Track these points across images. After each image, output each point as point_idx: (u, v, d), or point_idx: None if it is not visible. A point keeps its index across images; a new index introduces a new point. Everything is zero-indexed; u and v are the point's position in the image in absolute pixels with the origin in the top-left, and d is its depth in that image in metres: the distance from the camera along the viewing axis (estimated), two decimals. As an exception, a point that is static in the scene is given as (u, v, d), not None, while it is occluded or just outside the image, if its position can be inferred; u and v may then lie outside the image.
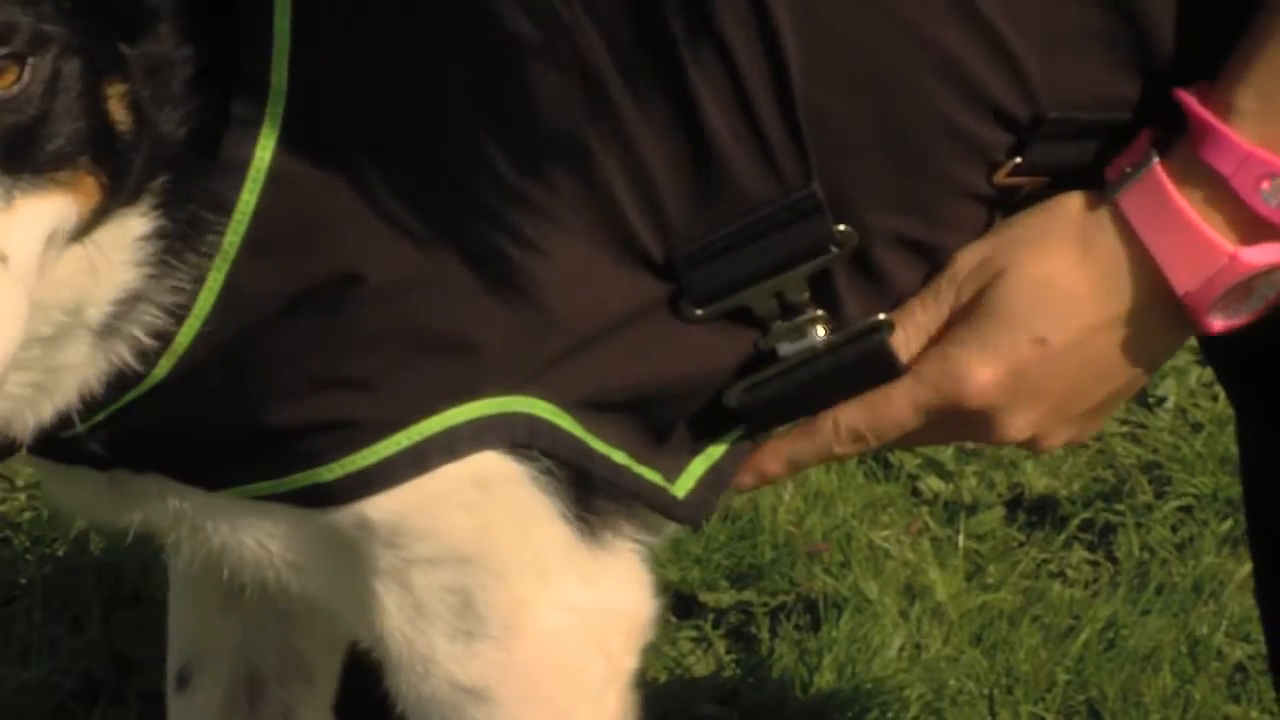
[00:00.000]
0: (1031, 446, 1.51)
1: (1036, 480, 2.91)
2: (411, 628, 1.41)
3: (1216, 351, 1.73)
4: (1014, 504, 2.91)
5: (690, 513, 1.44)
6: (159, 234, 1.28)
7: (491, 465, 1.38)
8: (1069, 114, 1.39)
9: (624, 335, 1.37)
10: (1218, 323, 1.41)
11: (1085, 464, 3.06)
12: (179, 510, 1.38)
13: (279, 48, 1.28)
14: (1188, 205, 1.37)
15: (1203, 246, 1.38)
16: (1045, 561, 2.82)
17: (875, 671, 2.55)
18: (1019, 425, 1.46)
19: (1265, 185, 1.37)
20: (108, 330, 1.28)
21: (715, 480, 1.45)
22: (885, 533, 2.82)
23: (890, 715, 2.49)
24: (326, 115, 1.30)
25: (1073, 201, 1.43)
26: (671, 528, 1.53)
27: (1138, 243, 1.39)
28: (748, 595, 2.69)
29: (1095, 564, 2.80)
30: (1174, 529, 2.84)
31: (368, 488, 1.33)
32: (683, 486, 1.44)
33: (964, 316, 1.43)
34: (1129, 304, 1.42)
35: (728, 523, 2.77)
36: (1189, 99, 1.38)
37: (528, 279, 1.32)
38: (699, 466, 1.45)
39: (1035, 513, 2.87)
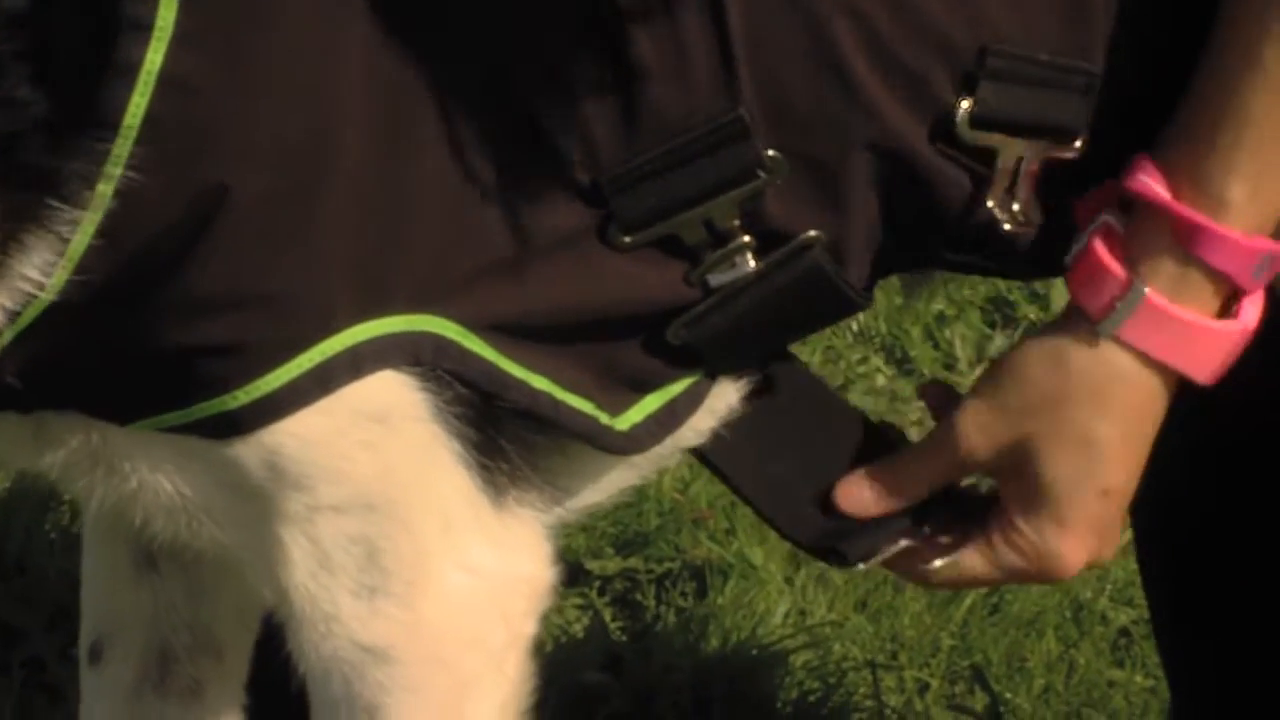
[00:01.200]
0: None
1: (921, 446, 2.87)
2: (315, 582, 1.40)
3: None
4: (899, 470, 2.89)
5: (629, 444, 1.44)
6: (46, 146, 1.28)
7: (392, 397, 1.38)
8: (1021, 51, 1.38)
9: (547, 260, 1.36)
10: None
11: (970, 430, 3.02)
12: (97, 449, 1.37)
13: None
14: (1195, 315, 1.39)
15: (1219, 339, 1.40)
16: (930, 528, 2.80)
17: (760, 638, 2.56)
18: (1083, 560, 1.54)
19: (1255, 263, 1.38)
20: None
21: (669, 418, 1.44)
22: (771, 499, 2.78)
23: (775, 682, 2.51)
24: (219, 14, 1.28)
25: (1069, 351, 1.44)
26: (584, 501, 1.52)
27: (1154, 363, 1.42)
28: (633, 563, 2.70)
29: (980, 529, 2.76)
30: (1058, 495, 2.81)
31: (275, 412, 1.32)
32: (629, 420, 1.43)
33: (1018, 502, 1.48)
34: (1153, 423, 1.46)
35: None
36: (1173, 204, 1.38)
37: (436, 193, 1.33)
38: (653, 402, 1.44)
39: (920, 479, 2.85)
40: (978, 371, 3.20)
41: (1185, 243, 1.37)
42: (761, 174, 1.34)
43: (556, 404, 1.39)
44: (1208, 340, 1.40)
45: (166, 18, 1.26)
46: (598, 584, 2.67)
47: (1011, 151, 1.43)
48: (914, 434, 2.95)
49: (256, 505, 1.36)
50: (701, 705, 2.49)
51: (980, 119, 1.41)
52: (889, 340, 3.20)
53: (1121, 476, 1.47)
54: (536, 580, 1.44)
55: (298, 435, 1.36)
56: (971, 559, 1.52)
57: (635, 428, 1.42)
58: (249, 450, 1.34)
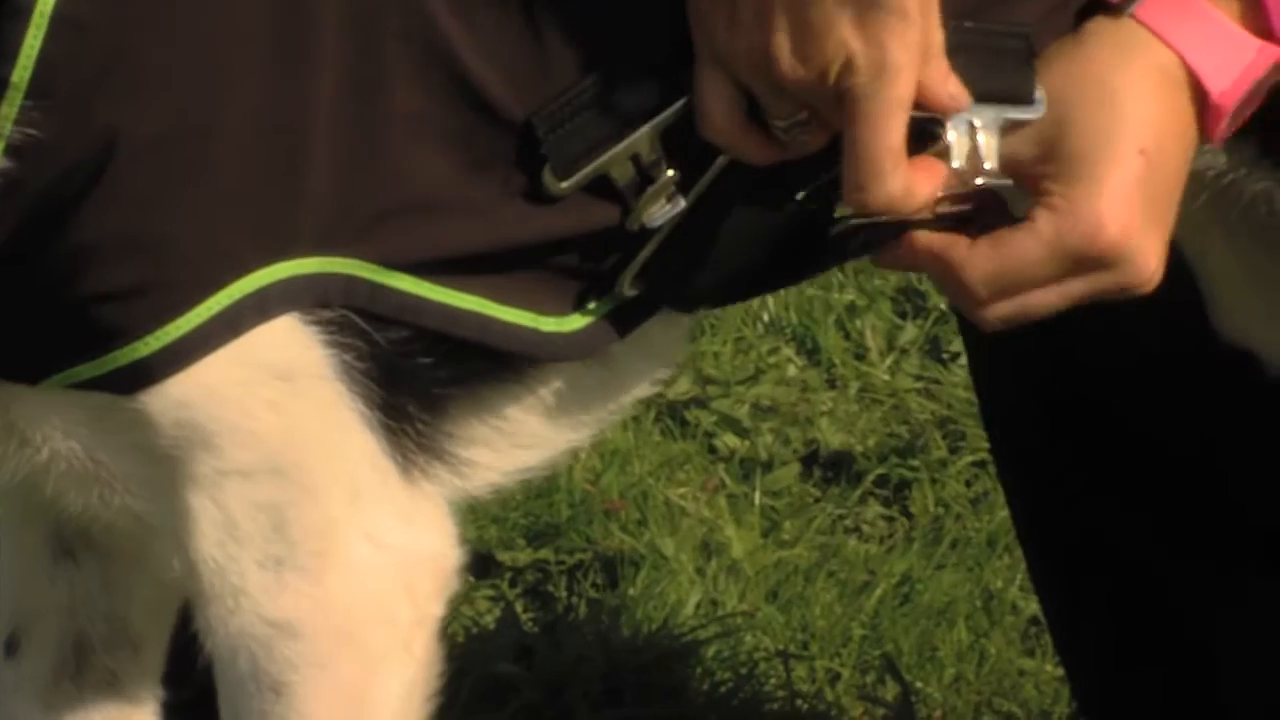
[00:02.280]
0: (1151, 283, 1.47)
1: (832, 436, 2.97)
2: (223, 552, 1.40)
3: None
4: (809, 460, 2.97)
5: (577, 348, 1.44)
6: None
7: (297, 354, 1.38)
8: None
9: (473, 201, 1.37)
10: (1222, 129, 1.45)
11: (880, 419, 3.13)
12: (10, 420, 1.36)
13: None
14: (1215, 9, 1.39)
15: (1230, 40, 1.40)
16: (841, 518, 2.88)
17: (672, 629, 2.58)
18: (1156, 257, 1.44)
19: None
20: None
21: (618, 324, 1.44)
22: (682, 490, 2.86)
23: (687, 672, 2.53)
24: None
25: (1093, 25, 1.43)
26: (491, 480, 1.50)
27: (1166, 48, 1.40)
28: (545, 554, 2.72)
29: (890, 519, 2.86)
30: (968, 484, 2.92)
31: (185, 357, 1.32)
32: (575, 322, 1.43)
33: (1039, 163, 1.43)
34: (1175, 107, 1.43)
35: (524, 482, 2.74)
36: None
37: (340, 133, 1.34)
38: (604, 306, 1.45)
39: (830, 469, 2.94)
40: (889, 361, 3.27)
41: None
42: (676, 99, 1.35)
43: (485, 321, 1.39)
44: (1220, 37, 1.41)
45: None
46: (509, 575, 2.68)
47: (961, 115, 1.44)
48: (824, 424, 3.00)
49: (166, 469, 1.36)
50: (613, 695, 2.51)
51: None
52: (800, 330, 3.23)
53: (1152, 138, 1.44)
54: (443, 559, 1.44)
55: (206, 387, 1.35)
56: (1022, 242, 1.44)
57: (586, 329, 1.42)
58: (159, 405, 1.34)
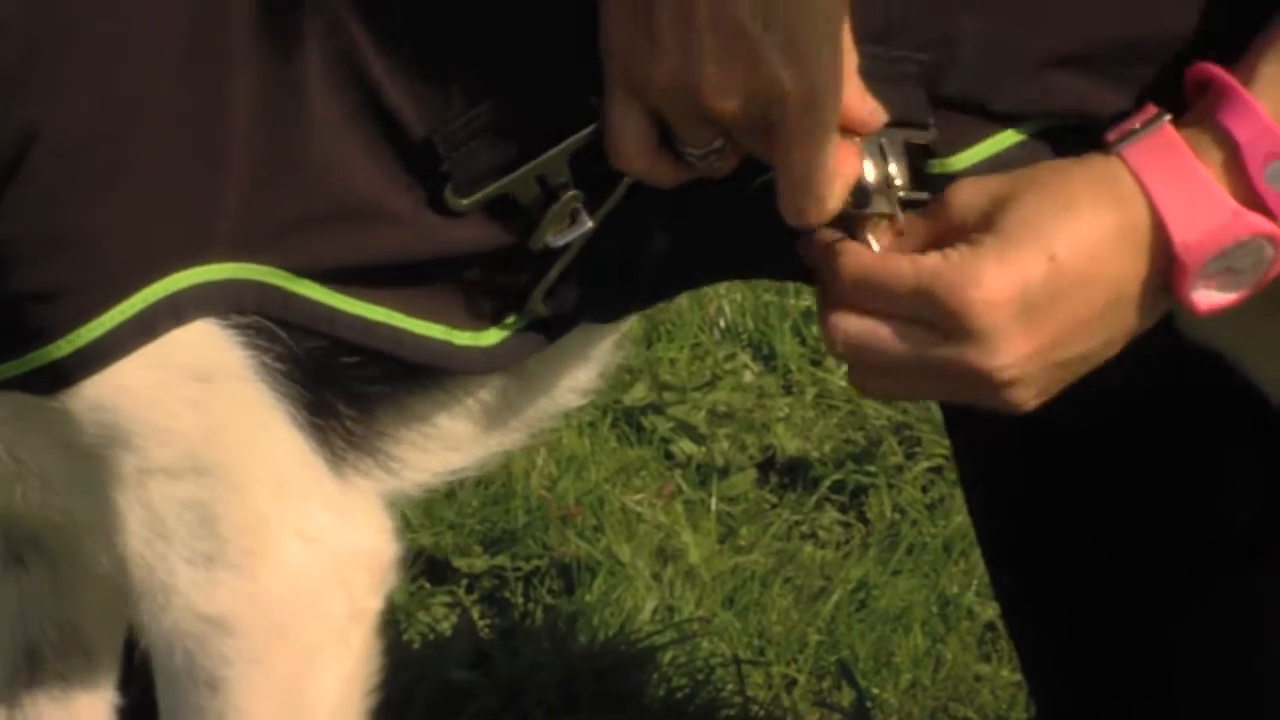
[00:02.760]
0: (1009, 397, 1.47)
1: (788, 442, 2.97)
2: (151, 550, 1.39)
3: None
4: (766, 466, 2.98)
5: (494, 361, 1.44)
6: None
7: (215, 355, 1.37)
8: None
9: (382, 215, 1.37)
10: (1199, 297, 1.43)
11: (836, 425, 3.14)
12: None
13: None
14: (1196, 159, 1.39)
15: (1207, 197, 1.40)
16: (797, 523, 2.89)
17: (628, 635, 2.58)
18: (1011, 355, 1.43)
19: (1272, 164, 1.40)
20: None
21: (534, 338, 1.44)
22: (638, 496, 2.87)
23: (643, 679, 2.53)
24: None
25: (1084, 158, 1.44)
26: (423, 480, 1.50)
27: (1143, 191, 1.40)
28: (501, 560, 2.72)
29: (847, 525, 2.87)
30: (924, 490, 2.93)
31: (99, 360, 1.31)
32: (493, 336, 1.42)
33: (974, 231, 1.44)
34: (1128, 252, 1.43)
35: (480, 488, 2.81)
36: (1211, 66, 1.41)
37: (256, 138, 1.33)
38: (514, 324, 1.44)
39: (787, 475, 2.94)
40: (845, 368, 3.20)
41: (1212, 107, 1.41)
42: (594, 123, 1.35)
43: (398, 334, 1.39)
44: (1198, 193, 1.42)
45: None
46: (465, 582, 2.68)
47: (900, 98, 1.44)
48: (780, 430, 3.01)
49: (91, 468, 1.36)
50: (569, 702, 2.51)
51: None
52: (756, 336, 3.24)
53: (1075, 259, 1.44)
54: (378, 553, 1.44)
55: (125, 389, 1.35)
56: (899, 263, 1.45)
57: (503, 343, 1.42)
58: (79, 405, 1.33)
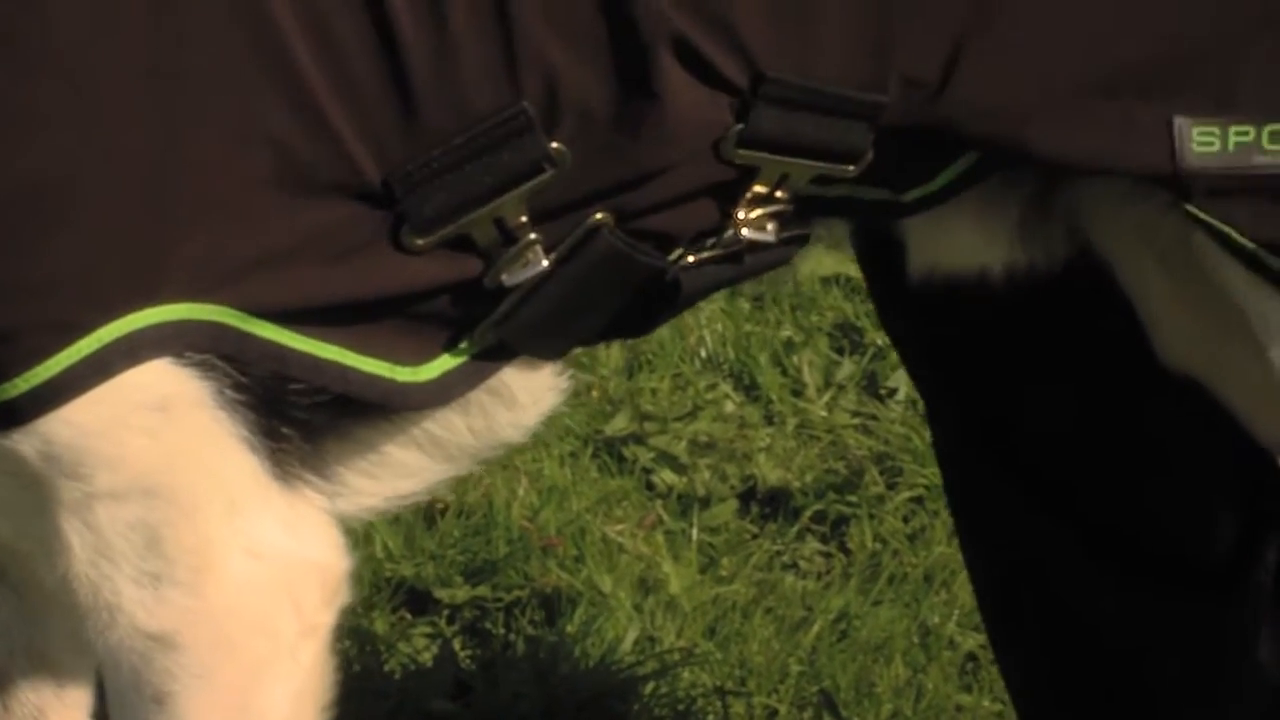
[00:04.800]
0: None
1: (769, 473, 3.00)
2: (97, 571, 1.42)
3: (908, 345, 1.89)
4: (747, 496, 3.00)
5: (433, 397, 1.47)
6: None
7: (173, 387, 1.39)
8: (801, 80, 1.41)
9: (338, 256, 1.39)
10: None
11: (817, 455, 3.16)
12: None
13: None
14: None
15: None
16: (778, 553, 2.91)
17: (610, 666, 2.60)
18: None
19: None
20: None
21: (473, 372, 1.47)
22: (620, 527, 2.89)
23: (625, 709, 2.54)
24: None
25: None
26: (374, 505, 1.54)
27: None
28: (482, 590, 2.74)
29: (828, 555, 2.88)
30: (905, 519, 2.95)
31: (54, 399, 1.33)
32: (432, 370, 1.46)
33: None
34: None
35: (462, 518, 2.84)
36: None
37: (208, 182, 1.34)
38: (454, 359, 1.47)
39: (768, 505, 2.96)
40: (826, 397, 3.31)
41: None
42: (548, 167, 1.36)
43: (345, 371, 1.41)
44: None
45: None
46: (446, 612, 2.69)
47: (773, 170, 1.49)
48: (762, 460, 3.03)
49: (34, 494, 1.36)
50: (551, 733, 2.57)
51: (749, 139, 1.47)
52: (737, 367, 3.26)
53: None
54: (330, 568, 1.45)
55: (75, 424, 1.36)
56: None
57: (443, 377, 1.45)
58: (25, 439, 1.35)
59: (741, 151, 1.49)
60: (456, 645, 2.62)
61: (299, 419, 1.45)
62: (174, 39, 1.38)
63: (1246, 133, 1.63)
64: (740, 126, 1.48)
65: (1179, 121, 1.62)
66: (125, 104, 1.37)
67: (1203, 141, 1.62)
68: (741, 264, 1.59)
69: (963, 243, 1.65)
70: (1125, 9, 1.56)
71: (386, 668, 2.44)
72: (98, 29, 1.36)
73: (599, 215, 1.47)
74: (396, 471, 1.54)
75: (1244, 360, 1.77)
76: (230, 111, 1.41)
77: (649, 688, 2.56)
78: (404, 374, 1.45)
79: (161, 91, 1.38)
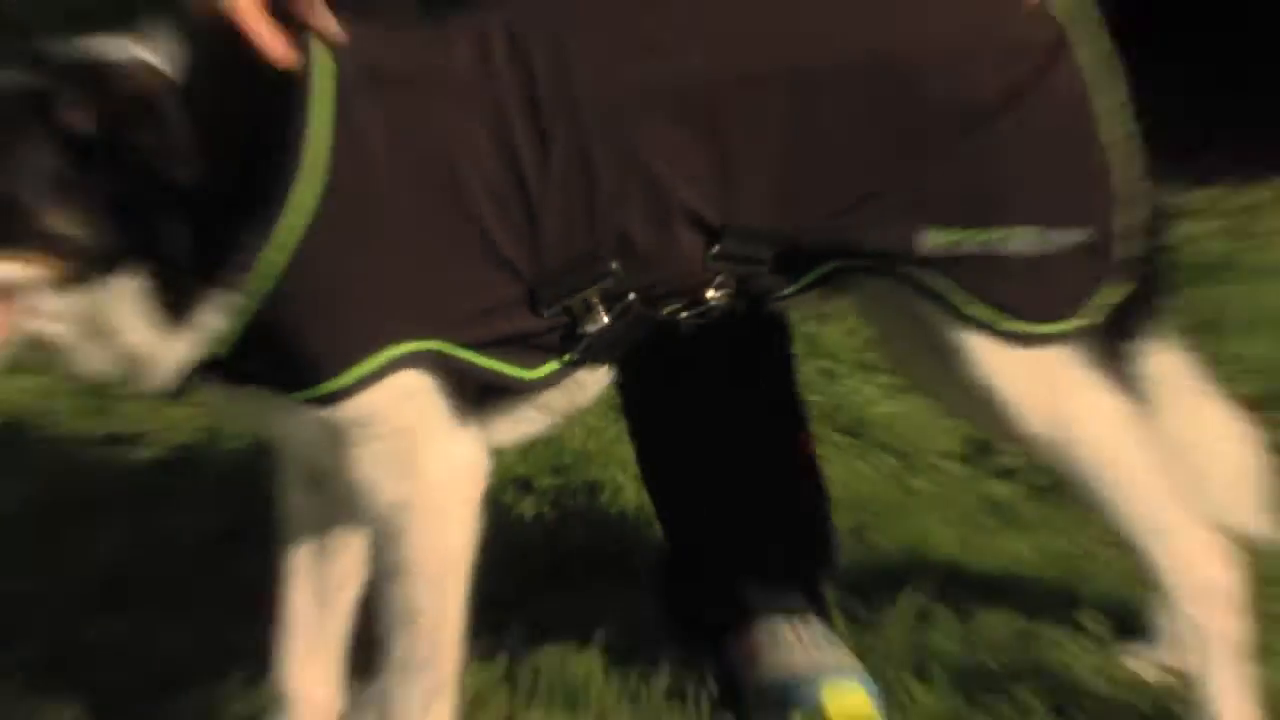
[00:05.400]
0: None
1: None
2: (368, 473, 2.32)
3: None
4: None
5: (543, 385, 2.37)
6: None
7: (415, 383, 2.27)
8: (741, 225, 2.32)
9: (503, 315, 2.30)
10: None
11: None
12: (269, 414, 2.35)
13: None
14: None
15: None
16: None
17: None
18: None
19: None
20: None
21: (563, 373, 2.37)
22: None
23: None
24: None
25: None
26: (512, 438, 2.48)
27: None
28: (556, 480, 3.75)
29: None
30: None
31: (356, 390, 2.24)
32: (540, 372, 2.37)
33: None
34: None
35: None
36: None
37: (436, 285, 2.27)
38: (553, 366, 2.36)
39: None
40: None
41: None
42: (610, 278, 2.30)
43: (501, 375, 2.32)
44: None
45: (305, 200, 2.17)
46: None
47: (727, 270, 2.35)
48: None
49: (336, 436, 2.30)
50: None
51: (720, 256, 2.34)
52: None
53: None
54: (480, 467, 2.35)
55: (366, 402, 2.24)
56: None
57: (547, 375, 2.36)
58: (337, 410, 2.25)
59: (712, 263, 2.34)
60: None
61: (475, 396, 2.33)
62: (436, 208, 2.25)
63: (953, 233, 2.36)
64: (715, 250, 2.33)
65: (917, 229, 2.36)
66: (412, 238, 2.25)
67: (936, 237, 2.36)
68: (706, 316, 2.41)
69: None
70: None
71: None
72: (410, 203, 2.24)
73: (632, 296, 2.33)
74: (522, 421, 2.46)
75: (945, 375, 2.51)
76: (455, 246, 2.27)
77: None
78: (528, 375, 2.36)
79: (430, 232, 2.25)
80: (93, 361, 2.27)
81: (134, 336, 2.24)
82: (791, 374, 3.04)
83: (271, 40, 2.23)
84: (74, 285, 2.18)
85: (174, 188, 2.15)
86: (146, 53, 2.23)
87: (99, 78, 2.17)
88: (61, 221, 2.15)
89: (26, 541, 3.64)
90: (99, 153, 2.13)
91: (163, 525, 3.68)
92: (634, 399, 3.04)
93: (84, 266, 2.17)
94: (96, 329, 2.24)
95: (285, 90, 2.21)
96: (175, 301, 2.22)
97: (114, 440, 4.19)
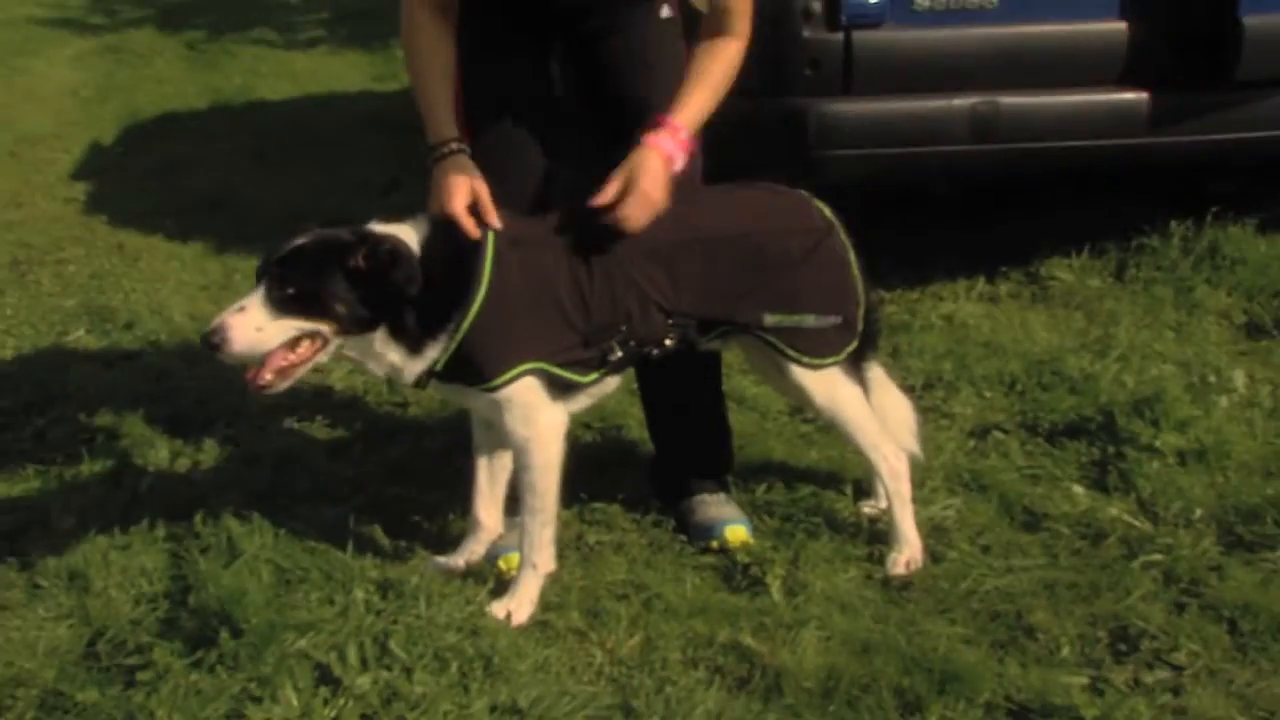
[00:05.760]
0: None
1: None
2: (511, 423, 4.01)
3: None
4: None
5: (589, 387, 4.01)
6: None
7: (530, 383, 3.96)
8: (683, 309, 3.98)
9: (570, 352, 3.95)
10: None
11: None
12: (464, 396, 4.01)
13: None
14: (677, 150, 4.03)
15: (681, 149, 4.15)
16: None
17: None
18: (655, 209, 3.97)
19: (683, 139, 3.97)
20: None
21: (602, 377, 4.02)
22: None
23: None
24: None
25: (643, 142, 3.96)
26: (580, 410, 4.15)
27: (658, 150, 4.02)
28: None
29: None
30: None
31: (501, 387, 3.91)
32: (589, 379, 4.04)
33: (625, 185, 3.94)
34: (659, 169, 4.02)
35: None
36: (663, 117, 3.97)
37: (546, 339, 3.97)
38: (595, 375, 4.03)
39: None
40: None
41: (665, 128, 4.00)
42: (622, 334, 4.00)
43: (565, 377, 4.01)
44: (680, 149, 4.05)
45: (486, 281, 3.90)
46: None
47: (676, 331, 4.10)
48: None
49: (495, 405, 4.00)
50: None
51: (671, 325, 4.04)
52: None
53: (653, 177, 4.06)
54: (563, 423, 4.04)
55: (509, 391, 3.97)
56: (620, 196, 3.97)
57: (592, 381, 4.05)
58: (495, 394, 3.95)
59: (668, 328, 3.98)
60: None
61: (557, 388, 3.96)
62: (542, 303, 3.89)
63: (779, 316, 4.05)
64: (670, 322, 3.98)
65: (762, 313, 4.06)
66: (530, 317, 3.91)
67: (771, 318, 4.02)
68: (666, 351, 4.01)
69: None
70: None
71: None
72: (530, 300, 3.92)
73: (633, 342, 3.98)
74: (584, 401, 4.13)
75: (779, 379, 4.32)
76: (550, 320, 3.95)
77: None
78: (584, 379, 4.02)
79: (539, 314, 3.91)
80: (371, 369, 3.98)
81: (392, 358, 3.92)
82: (716, 373, 4.73)
83: (469, 225, 3.94)
84: (345, 335, 3.86)
85: (406, 295, 3.83)
86: (402, 229, 3.97)
87: (374, 240, 3.88)
88: (340, 307, 3.85)
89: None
90: (366, 278, 3.85)
91: (431, 446, 5.44)
92: (643, 381, 4.76)
93: (350, 328, 3.85)
94: (370, 355, 3.93)
95: (474, 248, 3.91)
96: (409, 346, 3.91)
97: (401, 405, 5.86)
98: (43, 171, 9.92)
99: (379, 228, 3.97)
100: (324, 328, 3.85)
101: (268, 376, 3.79)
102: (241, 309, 3.74)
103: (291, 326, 3.80)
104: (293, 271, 3.79)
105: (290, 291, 3.77)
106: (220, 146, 10.28)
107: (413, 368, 4.02)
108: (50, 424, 5.48)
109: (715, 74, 4.04)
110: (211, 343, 3.72)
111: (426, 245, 3.94)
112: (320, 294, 3.80)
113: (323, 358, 3.91)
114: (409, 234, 3.99)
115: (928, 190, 7.49)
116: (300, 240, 3.84)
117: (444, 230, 4.00)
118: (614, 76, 4.14)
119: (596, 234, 4.03)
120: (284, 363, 3.82)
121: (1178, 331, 6.20)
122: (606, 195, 3.98)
